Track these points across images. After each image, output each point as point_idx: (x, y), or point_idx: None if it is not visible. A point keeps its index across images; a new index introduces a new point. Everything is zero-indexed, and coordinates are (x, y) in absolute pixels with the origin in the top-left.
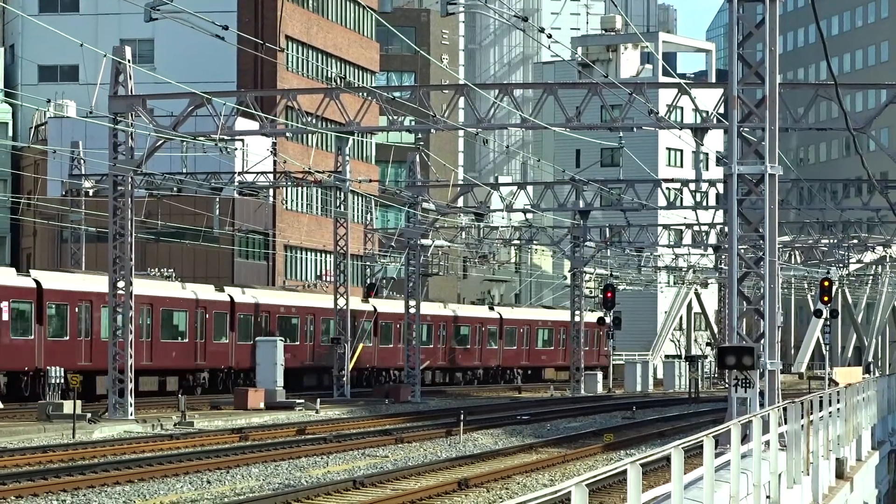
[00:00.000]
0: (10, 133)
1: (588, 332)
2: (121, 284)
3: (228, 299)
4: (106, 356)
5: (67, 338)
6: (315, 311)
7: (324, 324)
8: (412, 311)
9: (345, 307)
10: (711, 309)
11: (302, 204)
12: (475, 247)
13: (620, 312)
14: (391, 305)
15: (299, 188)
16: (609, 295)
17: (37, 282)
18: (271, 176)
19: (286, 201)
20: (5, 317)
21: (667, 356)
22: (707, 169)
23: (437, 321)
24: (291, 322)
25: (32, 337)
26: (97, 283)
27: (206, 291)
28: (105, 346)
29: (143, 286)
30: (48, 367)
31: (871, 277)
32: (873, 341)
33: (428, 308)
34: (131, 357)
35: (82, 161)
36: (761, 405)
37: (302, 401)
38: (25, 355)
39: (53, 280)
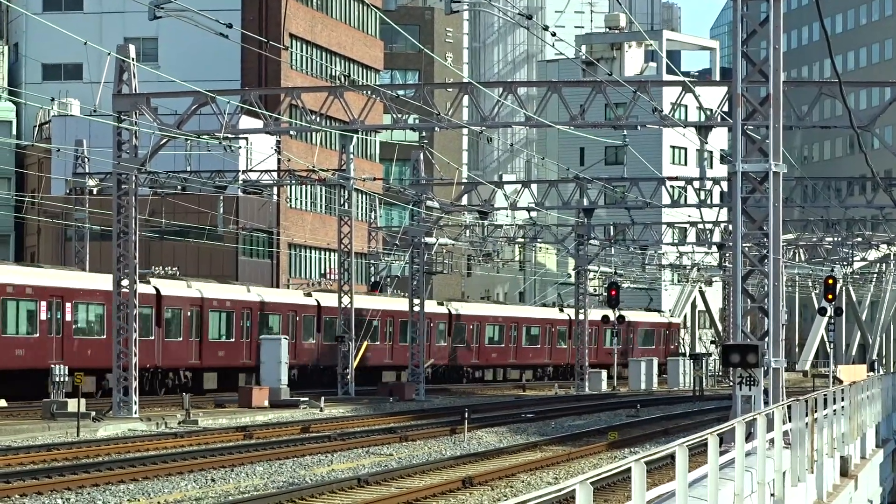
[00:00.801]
0: (14, 131)
1: (657, 331)
2: (125, 283)
3: (316, 303)
4: (212, 355)
5: (181, 338)
6: (394, 313)
7: (402, 325)
8: (416, 308)
9: (349, 305)
10: (716, 307)
11: (306, 202)
12: (479, 245)
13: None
14: (471, 308)
15: (303, 186)
16: (613, 293)
17: (157, 289)
18: (275, 174)
19: (290, 199)
20: None
21: (671, 354)
22: (711, 167)
23: (509, 322)
24: (372, 324)
25: (153, 338)
26: (207, 289)
27: (296, 296)
28: (212, 346)
29: (244, 293)
30: (52, 366)
31: (875, 275)
32: (877, 339)
33: (499, 310)
34: (135, 355)
35: (86, 159)
36: (765, 403)
37: (306, 399)
38: (147, 354)
39: (170, 287)
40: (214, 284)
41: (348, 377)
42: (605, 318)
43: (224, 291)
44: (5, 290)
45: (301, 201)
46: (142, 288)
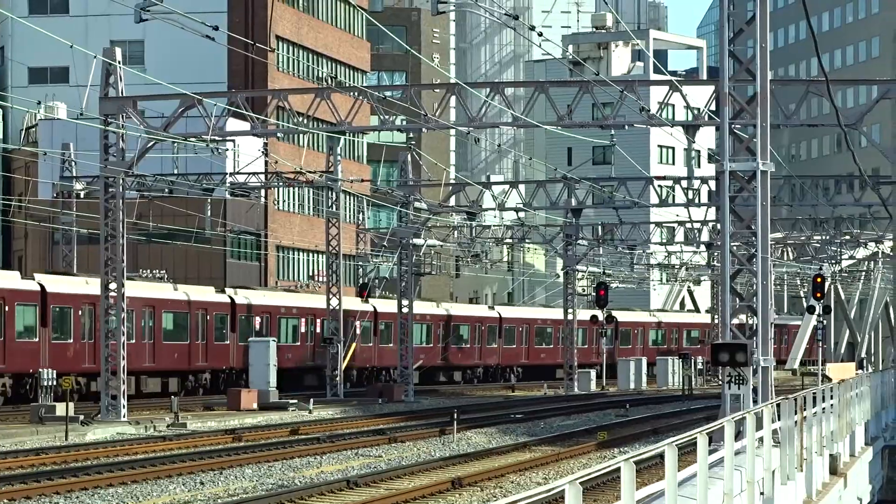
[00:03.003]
0: (1, 135)
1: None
2: (113, 286)
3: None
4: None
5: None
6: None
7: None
8: (405, 310)
9: (337, 307)
10: (704, 306)
11: (294, 204)
12: (467, 246)
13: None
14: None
15: (291, 188)
16: (602, 293)
17: (374, 307)
18: (263, 176)
19: (278, 202)
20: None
21: (660, 353)
22: (699, 166)
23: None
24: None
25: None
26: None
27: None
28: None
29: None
30: (41, 370)
31: (863, 273)
32: (866, 337)
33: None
34: (124, 359)
35: (73, 163)
36: (755, 402)
37: (295, 401)
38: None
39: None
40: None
41: (337, 379)
42: (594, 318)
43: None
44: (280, 310)
45: (289, 203)
46: (363, 306)
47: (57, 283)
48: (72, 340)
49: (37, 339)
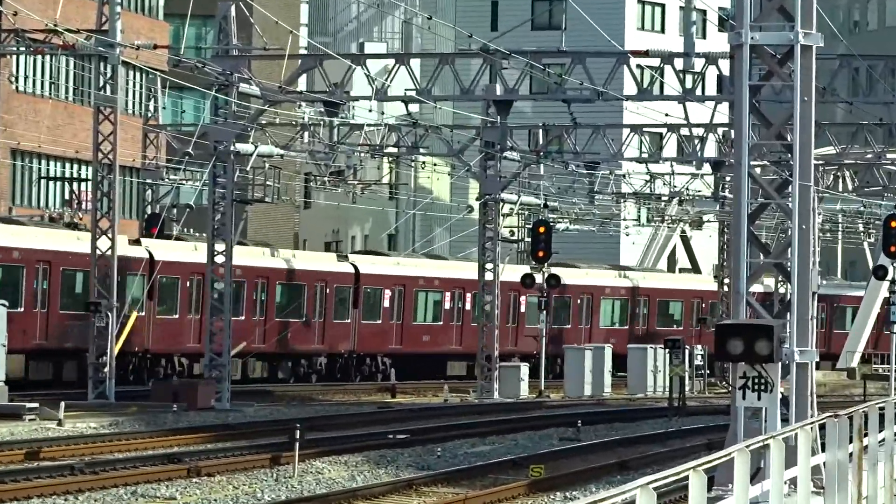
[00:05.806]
0: None
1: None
2: None
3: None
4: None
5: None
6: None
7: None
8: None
9: (110, 252)
10: (707, 261)
11: (42, 83)
12: (324, 158)
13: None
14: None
15: (39, 57)
16: (542, 231)
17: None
18: None
19: (17, 78)
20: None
21: (634, 338)
22: (703, 36)
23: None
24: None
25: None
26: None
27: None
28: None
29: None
30: None
31: None
32: None
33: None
34: None
35: None
36: (784, 421)
37: (36, 405)
38: None
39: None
40: None
41: (105, 371)
42: (528, 278)
43: None
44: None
45: (34, 81)
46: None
47: (366, 265)
48: (380, 321)
49: (349, 321)
